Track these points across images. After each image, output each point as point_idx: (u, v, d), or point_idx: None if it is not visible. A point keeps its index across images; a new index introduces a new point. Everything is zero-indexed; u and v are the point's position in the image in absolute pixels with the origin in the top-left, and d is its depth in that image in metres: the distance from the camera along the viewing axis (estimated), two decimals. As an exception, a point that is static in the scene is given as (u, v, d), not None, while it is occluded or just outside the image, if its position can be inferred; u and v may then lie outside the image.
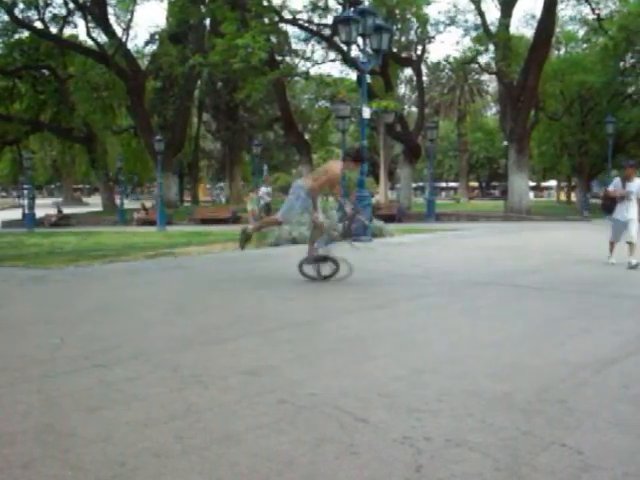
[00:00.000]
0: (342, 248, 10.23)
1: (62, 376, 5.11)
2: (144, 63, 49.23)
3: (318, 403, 4.42)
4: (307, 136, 52.42)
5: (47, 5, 44.71)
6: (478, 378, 5.00)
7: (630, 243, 12.26)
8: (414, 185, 66.71)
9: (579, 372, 5.20)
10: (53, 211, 46.87)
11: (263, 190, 33.75)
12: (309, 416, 4.22)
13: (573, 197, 65.77)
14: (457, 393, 4.65)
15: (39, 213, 43.07)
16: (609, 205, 12.94)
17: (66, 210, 49.79)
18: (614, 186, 12.85)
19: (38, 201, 48.01)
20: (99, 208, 55.66)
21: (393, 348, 6.04)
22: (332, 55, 43.67)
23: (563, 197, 75.86)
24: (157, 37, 49.09)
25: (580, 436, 3.87)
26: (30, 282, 10.85)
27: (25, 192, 44.23)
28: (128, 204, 52.68)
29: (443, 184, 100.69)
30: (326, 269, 10.12)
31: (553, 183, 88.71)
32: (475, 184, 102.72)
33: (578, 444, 3.73)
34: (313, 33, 39.52)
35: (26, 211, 41.33)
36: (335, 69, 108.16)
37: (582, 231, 24.27)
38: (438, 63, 45.95)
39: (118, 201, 48.23)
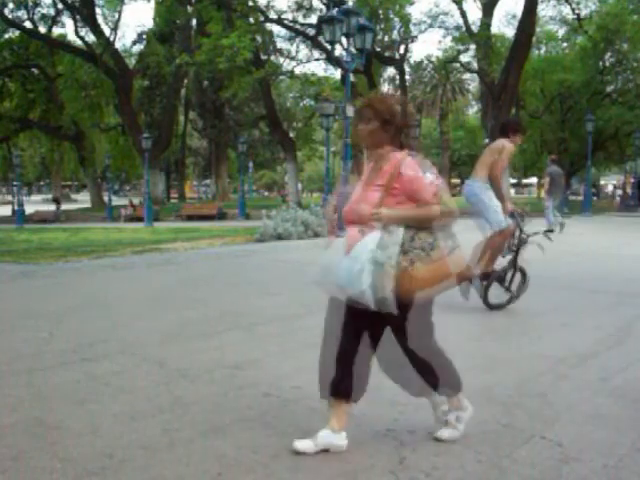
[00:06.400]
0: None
1: (50, 370, 5.16)
2: (132, 62, 49.14)
3: (302, 396, 4.47)
4: (292, 134, 52.27)
5: (36, 5, 44.63)
6: (458, 372, 5.06)
7: None
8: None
9: (558, 366, 5.28)
10: (51, 207, 47.42)
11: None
12: (293, 409, 4.28)
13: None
14: (439, 387, 4.70)
15: (29, 209, 43.36)
16: None
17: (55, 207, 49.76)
18: None
19: (33, 197, 47.91)
20: (88, 205, 55.53)
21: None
22: (316, 54, 43.62)
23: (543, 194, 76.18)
24: (144, 37, 48.95)
25: (560, 429, 3.94)
26: (19, 277, 10.87)
27: (14, 189, 44.35)
28: (116, 201, 52.59)
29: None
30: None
31: (534, 180, 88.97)
32: (457, 181, 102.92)
33: (558, 437, 3.80)
34: (298, 33, 39.55)
35: (16, 207, 41.36)
36: (319, 68, 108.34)
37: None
38: (420, 62, 45.93)
39: (106, 198, 48.11)
